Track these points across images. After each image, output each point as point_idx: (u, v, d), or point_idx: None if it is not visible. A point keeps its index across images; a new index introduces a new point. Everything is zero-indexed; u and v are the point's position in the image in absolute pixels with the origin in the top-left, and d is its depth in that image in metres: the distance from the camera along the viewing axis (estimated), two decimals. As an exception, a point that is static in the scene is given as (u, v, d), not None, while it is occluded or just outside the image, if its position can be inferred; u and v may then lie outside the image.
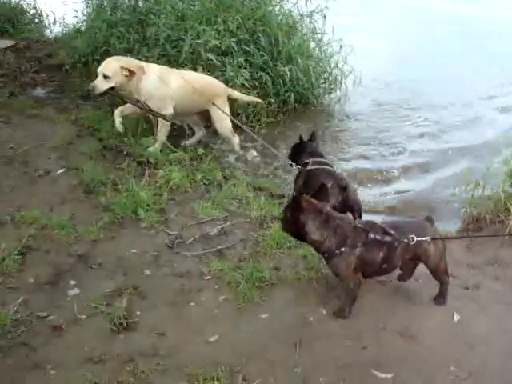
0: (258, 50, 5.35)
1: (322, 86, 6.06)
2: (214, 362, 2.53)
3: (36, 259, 3.16)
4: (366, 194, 4.26)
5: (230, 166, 4.56)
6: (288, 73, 5.36)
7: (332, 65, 6.11)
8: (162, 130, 4.48)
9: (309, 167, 3.59)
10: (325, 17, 5.96)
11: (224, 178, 4.20)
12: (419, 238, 2.75)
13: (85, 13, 6.84)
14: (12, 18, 8.26)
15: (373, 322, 2.85)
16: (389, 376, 2.55)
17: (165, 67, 4.59)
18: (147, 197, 3.70)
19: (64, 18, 7.79)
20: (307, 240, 2.76)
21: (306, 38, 5.94)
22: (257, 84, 5.21)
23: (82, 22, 7.03)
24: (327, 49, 6.14)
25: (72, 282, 3.02)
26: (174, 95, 4.41)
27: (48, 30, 8.30)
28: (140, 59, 5.24)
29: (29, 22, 8.52)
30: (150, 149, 4.36)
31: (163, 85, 4.35)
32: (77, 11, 6.72)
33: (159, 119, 4.46)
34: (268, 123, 5.31)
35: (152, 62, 5.24)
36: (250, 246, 3.38)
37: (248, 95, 4.98)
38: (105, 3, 6.31)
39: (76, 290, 2.97)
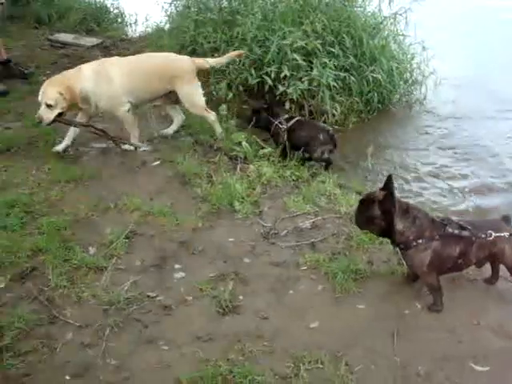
0: (343, 51, 5.45)
1: (403, 86, 6.11)
2: (316, 347, 2.64)
3: (141, 243, 3.36)
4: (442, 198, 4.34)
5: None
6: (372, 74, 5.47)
7: (414, 66, 6.17)
8: (128, 126, 4.43)
9: (291, 122, 4.54)
10: (407, 18, 6.01)
11: (311, 175, 4.31)
12: (497, 234, 2.79)
13: (168, 13, 7.13)
14: (97, 17, 8.65)
15: (466, 317, 2.89)
16: (486, 369, 2.60)
17: (104, 60, 4.42)
18: (241, 189, 3.86)
19: (147, 19, 8.15)
20: (385, 231, 2.81)
21: (388, 39, 6.02)
22: (341, 84, 5.31)
23: (166, 23, 7.36)
24: (409, 50, 6.21)
25: (177, 266, 3.19)
26: (124, 87, 4.21)
27: (130, 29, 8.67)
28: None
29: (112, 21, 8.92)
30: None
31: (104, 82, 4.17)
32: (165, 10, 6.97)
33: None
34: (353, 122, 5.42)
35: (238, 61, 5.47)
36: (342, 241, 3.48)
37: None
38: (190, 3, 6.60)
39: (181, 274, 3.14)
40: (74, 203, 3.66)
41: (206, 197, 3.83)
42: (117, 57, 4.45)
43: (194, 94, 4.48)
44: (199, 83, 4.54)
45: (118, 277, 3.07)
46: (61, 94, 3.96)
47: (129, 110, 4.31)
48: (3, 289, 2.93)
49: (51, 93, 3.97)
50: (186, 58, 4.54)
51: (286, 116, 4.70)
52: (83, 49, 7.11)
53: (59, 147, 4.36)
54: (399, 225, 2.76)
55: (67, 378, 2.46)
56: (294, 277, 3.14)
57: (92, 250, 3.23)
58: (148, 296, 2.95)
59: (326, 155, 4.52)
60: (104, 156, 4.36)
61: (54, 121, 4.08)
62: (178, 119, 4.80)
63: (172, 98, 4.56)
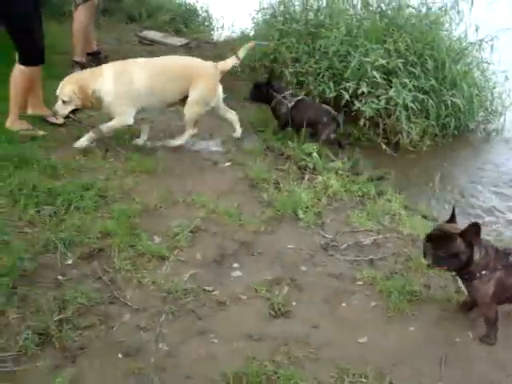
0: (424, 72, 5.42)
1: (482, 114, 6.01)
2: (362, 361, 2.66)
3: (204, 239, 3.47)
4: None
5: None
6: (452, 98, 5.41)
7: (495, 95, 6.06)
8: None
9: (296, 99, 4.89)
10: (493, 46, 5.91)
11: (377, 193, 4.32)
12: None
13: (255, 20, 7.29)
14: (186, 18, 8.94)
15: (520, 354, 2.85)
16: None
17: (127, 61, 4.38)
18: (307, 199, 3.92)
19: (233, 24, 8.34)
20: (452, 262, 2.77)
21: (472, 65, 5.94)
22: (418, 106, 5.28)
23: (251, 29, 7.52)
24: (491, 78, 6.10)
25: (235, 265, 3.29)
26: (141, 91, 4.23)
27: (216, 33, 8.91)
28: (307, 70, 5.58)
29: (200, 23, 9.19)
30: None
31: (123, 83, 4.21)
32: (252, 18, 7.12)
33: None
34: (427, 145, 5.38)
35: (318, 74, 5.54)
36: (401, 261, 3.47)
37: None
38: (277, 13, 6.73)
39: (238, 273, 3.23)
40: (146, 194, 3.81)
41: (272, 202, 3.91)
42: (143, 58, 4.49)
43: (198, 101, 4.40)
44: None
45: (178, 268, 3.18)
46: (74, 92, 4.11)
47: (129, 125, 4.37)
48: (70, 265, 3.10)
49: (67, 90, 4.13)
50: (209, 63, 4.51)
51: (291, 91, 5.06)
52: (170, 48, 7.35)
53: (139, 140, 4.56)
54: (476, 256, 2.73)
55: (120, 356, 2.58)
56: (348, 290, 3.17)
57: (157, 240, 3.36)
58: (204, 290, 3.05)
59: (331, 136, 4.84)
60: (178, 153, 4.50)
61: (67, 116, 4.29)
62: (234, 119, 4.86)
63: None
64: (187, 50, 7.36)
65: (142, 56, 6.63)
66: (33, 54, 4.38)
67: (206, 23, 9.21)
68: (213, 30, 9.04)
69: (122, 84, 4.19)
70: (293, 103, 4.88)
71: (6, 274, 2.90)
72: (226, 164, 4.42)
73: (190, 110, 4.39)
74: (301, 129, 4.79)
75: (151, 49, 7.29)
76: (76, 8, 5.85)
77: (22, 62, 4.35)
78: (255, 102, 5.23)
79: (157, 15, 8.80)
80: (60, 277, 3.00)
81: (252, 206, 3.89)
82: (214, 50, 7.39)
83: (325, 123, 4.80)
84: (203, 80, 4.36)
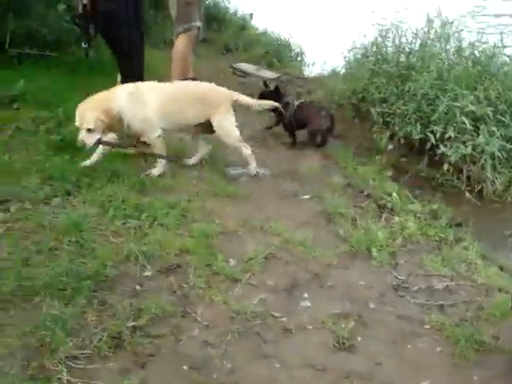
0: (514, 122, 5.33)
1: None
2: (423, 404, 2.65)
3: (277, 266, 3.56)
4: None
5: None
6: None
7: None
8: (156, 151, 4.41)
9: (297, 102, 5.53)
10: None
11: (455, 239, 4.27)
12: None
13: (346, 59, 7.41)
14: (279, 52, 9.22)
15: None
16: None
17: (148, 83, 4.43)
18: (382, 238, 3.94)
19: (324, 62, 8.51)
20: None
21: None
22: (505, 155, 5.19)
23: (342, 68, 7.65)
24: None
25: (305, 295, 3.34)
26: (158, 113, 4.26)
27: (307, 69, 9.12)
28: (394, 111, 5.62)
29: (292, 59, 9.44)
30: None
31: (139, 104, 4.23)
32: (344, 56, 7.25)
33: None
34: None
35: (405, 115, 5.56)
36: (472, 309, 3.41)
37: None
38: (369, 53, 6.84)
39: (307, 303, 3.29)
40: (225, 217, 3.96)
41: (347, 238, 3.96)
42: (155, 82, 4.51)
43: (228, 125, 4.54)
44: (233, 114, 4.60)
45: (249, 291, 3.28)
46: (99, 117, 4.02)
47: (160, 136, 4.37)
48: (148, 277, 3.26)
49: (90, 117, 3.99)
50: (223, 89, 4.61)
51: (293, 97, 5.80)
52: (261, 80, 7.57)
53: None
54: None
55: (185, 367, 2.69)
56: (415, 333, 3.15)
57: (232, 262, 3.48)
58: (272, 315, 3.12)
59: (323, 127, 5.42)
60: (259, 180, 4.65)
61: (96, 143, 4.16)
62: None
63: (206, 128, 4.61)
64: (278, 83, 7.53)
65: (233, 87, 7.04)
66: (132, 79, 4.60)
67: (299, 59, 9.50)
68: (304, 65, 9.31)
69: (136, 104, 4.25)
70: (296, 104, 5.51)
71: (89, 277, 3.10)
72: (305, 196, 4.51)
73: (228, 136, 4.56)
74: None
75: (244, 80, 7.56)
76: (177, 36, 6.14)
77: (125, 80, 4.62)
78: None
79: (252, 48, 9.14)
80: (138, 287, 3.17)
81: (327, 240, 3.95)
82: (304, 86, 7.58)
83: (319, 117, 5.45)
84: (221, 105, 4.49)
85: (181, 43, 6.10)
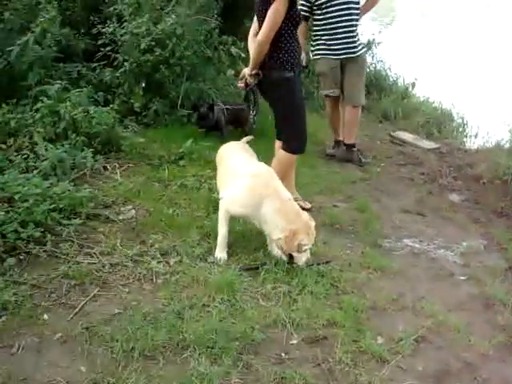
0: None
1: None
2: None
3: (427, 351, 3.35)
4: None
5: None
6: None
7: None
8: None
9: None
10: None
11: None
12: None
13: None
14: (440, 122, 8.99)
15: None
16: None
17: None
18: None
19: (488, 133, 8.16)
20: None
21: None
22: None
23: (507, 142, 7.28)
24: None
25: (461, 386, 3.12)
26: None
27: (469, 141, 8.77)
28: None
29: (453, 129, 9.15)
30: None
31: None
32: (510, 130, 6.92)
33: None
34: None
35: None
36: None
37: None
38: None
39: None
40: (376, 291, 3.84)
41: (506, 327, 3.65)
42: None
43: None
44: None
45: (396, 374, 3.11)
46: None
47: None
48: (294, 345, 3.23)
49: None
50: None
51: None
52: (420, 150, 7.44)
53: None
54: None
55: None
56: None
57: (380, 340, 3.34)
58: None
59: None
60: (414, 256, 4.50)
61: None
62: None
63: None
64: (437, 154, 7.37)
65: (390, 155, 7.00)
66: (295, 143, 4.74)
67: (460, 129, 9.16)
68: (465, 136, 8.94)
69: None
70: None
71: (237, 338, 3.15)
72: (462, 277, 4.26)
73: None
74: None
75: (402, 149, 7.46)
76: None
77: (288, 150, 4.74)
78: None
79: (411, 117, 9.01)
80: (283, 354, 3.15)
81: (483, 327, 3.66)
82: (465, 158, 7.30)
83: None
84: None
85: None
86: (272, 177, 4.05)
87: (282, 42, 4.48)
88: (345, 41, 6.25)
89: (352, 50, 6.31)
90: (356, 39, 6.36)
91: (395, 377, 3.09)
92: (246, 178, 4.01)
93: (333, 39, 6.26)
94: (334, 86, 6.45)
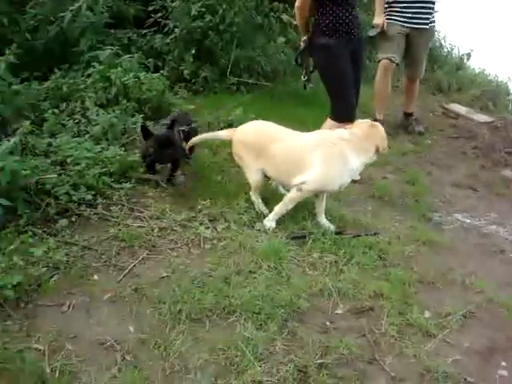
0: None
1: None
2: None
3: (475, 327, 3.29)
4: None
5: None
6: None
7: None
8: None
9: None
10: None
11: None
12: None
13: None
14: (495, 96, 8.70)
15: None
16: None
17: None
18: None
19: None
20: None
21: None
22: None
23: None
24: None
25: (503, 363, 3.04)
26: None
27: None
28: None
29: (509, 103, 8.85)
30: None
31: None
32: None
33: None
34: None
35: None
36: None
37: None
38: None
39: (504, 372, 2.98)
40: (424, 265, 3.80)
41: None
42: None
43: None
44: None
45: (443, 349, 3.07)
46: None
47: None
48: (340, 315, 3.23)
49: None
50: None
51: None
52: (473, 124, 7.24)
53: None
54: None
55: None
56: None
57: (427, 314, 3.30)
58: (466, 379, 2.89)
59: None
60: (464, 231, 4.42)
61: None
62: None
63: None
64: (491, 128, 7.14)
65: (442, 128, 6.84)
66: (338, 111, 4.63)
67: (517, 103, 8.87)
68: (524, 111, 8.65)
69: None
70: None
71: (282, 306, 3.16)
72: (512, 255, 4.17)
73: None
74: None
75: (455, 122, 7.27)
76: None
77: (333, 117, 4.67)
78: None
79: (466, 89, 8.76)
80: (328, 323, 3.15)
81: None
82: (520, 132, 7.05)
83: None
84: None
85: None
86: (335, 136, 3.95)
87: (325, 8, 4.42)
88: (421, 10, 6.08)
89: (426, 21, 6.14)
90: (432, 10, 6.21)
91: (441, 351, 3.05)
92: (314, 153, 3.89)
93: (409, 7, 6.07)
94: (397, 52, 6.22)
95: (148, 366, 2.72)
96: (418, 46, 6.25)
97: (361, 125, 3.99)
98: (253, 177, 4.13)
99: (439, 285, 3.63)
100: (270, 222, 4.00)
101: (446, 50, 10.35)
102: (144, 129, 4.25)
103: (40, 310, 3.07)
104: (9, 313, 2.99)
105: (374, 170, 5.25)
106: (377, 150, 3.90)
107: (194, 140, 4.50)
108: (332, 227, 3.99)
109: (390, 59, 6.23)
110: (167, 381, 2.66)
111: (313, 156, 3.85)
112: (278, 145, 3.99)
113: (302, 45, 4.65)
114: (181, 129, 4.50)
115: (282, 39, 7.62)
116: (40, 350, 2.77)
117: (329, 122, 4.67)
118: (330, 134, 3.98)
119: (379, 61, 6.37)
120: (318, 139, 3.94)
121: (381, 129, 4.00)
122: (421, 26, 6.13)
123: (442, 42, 10.42)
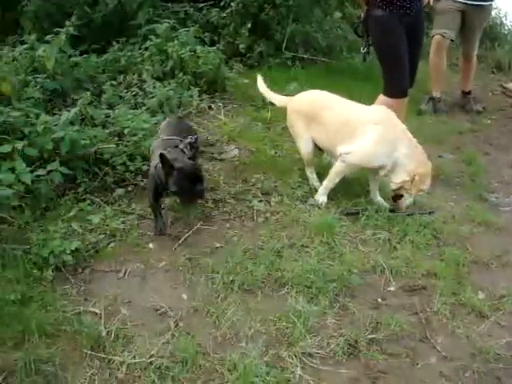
0: None
1: None
2: None
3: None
4: None
5: None
6: None
7: None
8: None
9: None
10: None
11: None
12: None
13: None
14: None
15: None
16: None
17: None
18: None
19: None
20: None
21: None
22: None
23: None
24: None
25: None
26: None
27: None
28: None
29: None
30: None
31: None
32: None
33: None
34: None
35: None
36: None
37: None
38: None
39: None
40: (480, 245, 3.73)
41: None
42: None
43: None
44: None
45: (495, 330, 3.02)
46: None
47: None
48: (392, 292, 3.22)
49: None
50: None
51: None
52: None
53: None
54: None
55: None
56: None
57: (481, 295, 3.25)
58: (517, 362, 2.85)
59: None
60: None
61: None
62: None
63: None
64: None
65: (502, 107, 6.65)
66: (390, 86, 4.48)
67: None
68: None
69: None
70: None
71: (334, 280, 3.17)
72: None
73: None
74: None
75: (513, 101, 7.06)
76: None
77: (385, 93, 4.52)
78: None
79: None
80: (380, 299, 3.15)
81: None
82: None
83: None
84: None
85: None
86: (395, 119, 3.90)
87: None
88: None
89: None
90: None
91: (494, 333, 3.00)
92: (370, 127, 3.82)
93: None
94: (452, 27, 6.07)
95: (200, 333, 2.80)
96: (471, 23, 6.09)
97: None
98: (303, 147, 4.12)
99: (494, 266, 3.56)
100: (320, 196, 3.99)
101: (506, 28, 9.99)
102: (164, 158, 3.34)
103: (97, 275, 3.19)
104: (67, 277, 3.12)
105: (429, 149, 5.12)
106: (412, 179, 3.81)
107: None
108: (386, 205, 3.96)
109: (443, 35, 6.10)
110: (219, 348, 2.72)
111: (367, 130, 3.80)
112: (330, 112, 3.97)
113: (362, 16, 4.57)
114: (187, 141, 3.68)
115: (338, 14, 7.51)
116: (96, 313, 2.89)
117: (381, 97, 4.54)
118: (395, 118, 3.92)
119: (432, 36, 6.24)
120: (382, 116, 3.89)
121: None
122: (476, 3, 5.95)
123: (503, 19, 10.06)
